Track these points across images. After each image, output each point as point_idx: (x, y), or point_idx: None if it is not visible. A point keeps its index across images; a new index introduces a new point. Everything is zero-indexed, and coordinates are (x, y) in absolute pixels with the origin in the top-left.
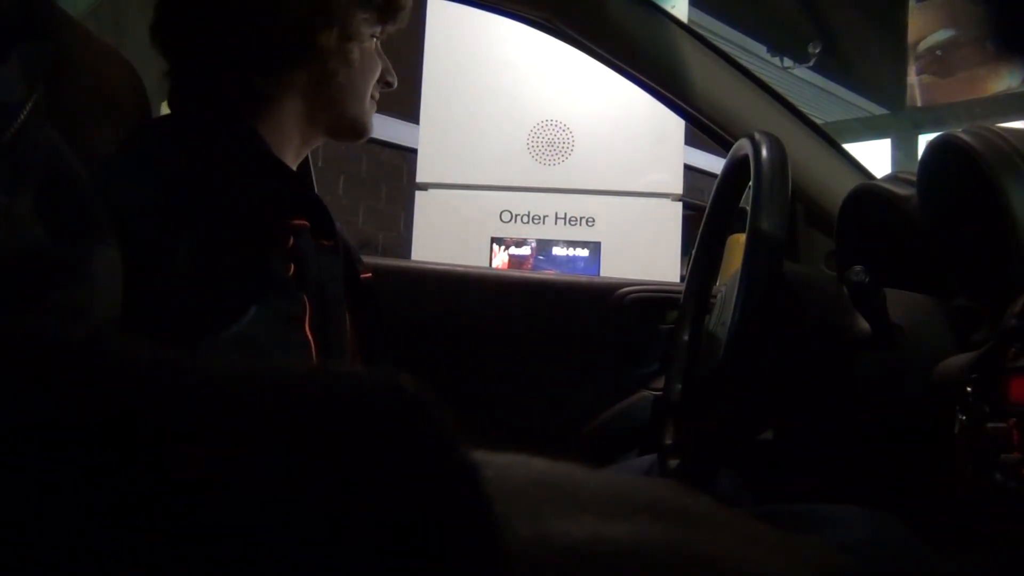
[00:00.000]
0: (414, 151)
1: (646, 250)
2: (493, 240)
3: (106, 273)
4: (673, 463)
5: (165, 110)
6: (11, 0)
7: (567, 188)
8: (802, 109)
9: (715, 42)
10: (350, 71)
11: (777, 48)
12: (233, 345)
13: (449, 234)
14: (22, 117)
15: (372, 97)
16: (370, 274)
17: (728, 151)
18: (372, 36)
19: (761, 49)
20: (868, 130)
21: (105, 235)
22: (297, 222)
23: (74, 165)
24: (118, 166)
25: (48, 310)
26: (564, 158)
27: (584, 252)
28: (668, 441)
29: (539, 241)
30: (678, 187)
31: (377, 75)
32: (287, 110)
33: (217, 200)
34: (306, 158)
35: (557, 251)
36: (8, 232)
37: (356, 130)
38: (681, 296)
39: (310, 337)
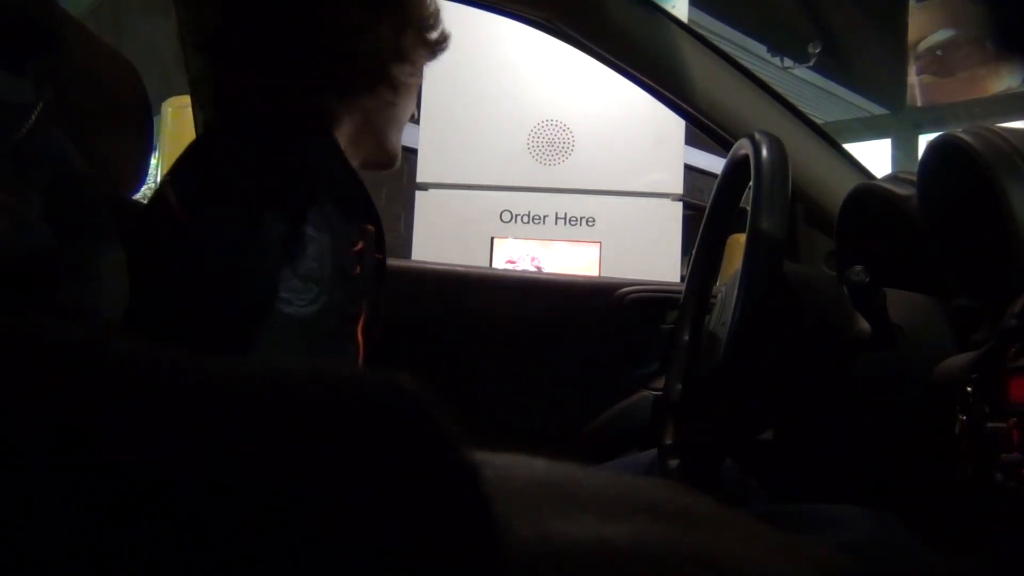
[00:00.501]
0: (414, 151)
1: (646, 250)
2: (494, 239)
3: (112, 273)
4: (673, 463)
5: (166, 110)
6: (23, 11)
7: (567, 188)
8: (802, 109)
9: (715, 42)
10: (406, 102)
11: (777, 48)
12: (299, 326)
13: (449, 234)
14: (32, 120)
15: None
16: None
17: (728, 151)
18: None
19: (761, 49)
20: (868, 130)
21: (111, 236)
22: (368, 227)
23: (80, 166)
24: (215, 162)
25: (54, 310)
26: (564, 158)
27: (584, 252)
28: (668, 441)
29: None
30: (678, 187)
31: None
32: (343, 132)
33: (310, 192)
34: None
35: (557, 251)
36: (16, 233)
37: (391, 159)
38: (681, 296)
39: (360, 339)
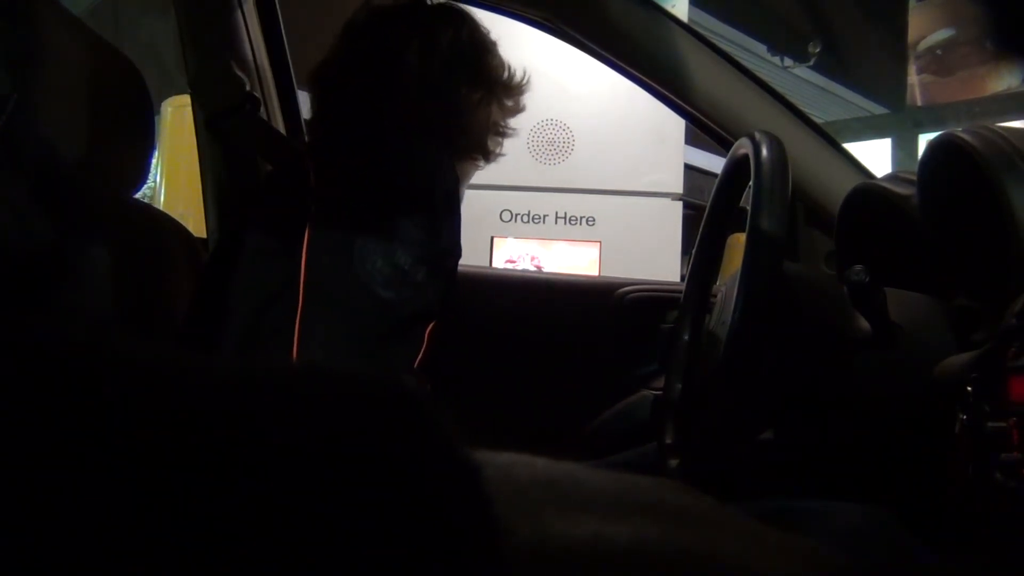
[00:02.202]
0: None
1: (646, 250)
2: (494, 238)
3: (103, 270)
4: (673, 462)
5: (165, 110)
6: None
7: (567, 188)
8: (802, 109)
9: (715, 42)
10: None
11: (777, 48)
12: (378, 306)
13: None
14: (9, 109)
15: None
16: None
17: (728, 151)
18: None
19: (761, 49)
20: (868, 130)
21: (102, 232)
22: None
23: (67, 159)
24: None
25: (49, 308)
26: (564, 158)
27: (584, 252)
28: (668, 440)
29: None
30: (678, 187)
31: None
32: None
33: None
34: None
35: (557, 251)
36: (11, 221)
37: None
38: (681, 296)
39: (425, 342)
